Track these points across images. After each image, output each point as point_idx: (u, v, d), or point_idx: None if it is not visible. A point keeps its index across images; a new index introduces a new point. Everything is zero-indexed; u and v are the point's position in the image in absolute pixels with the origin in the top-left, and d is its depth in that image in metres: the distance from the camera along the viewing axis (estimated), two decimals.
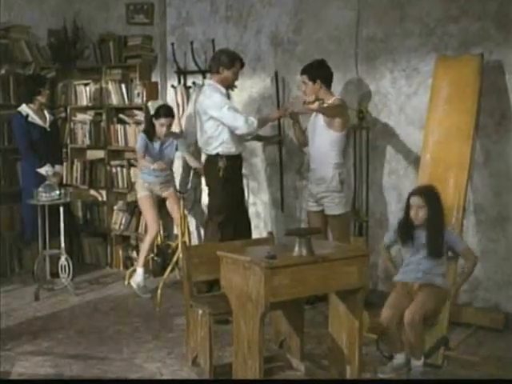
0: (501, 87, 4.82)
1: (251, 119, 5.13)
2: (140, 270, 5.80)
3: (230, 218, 5.24)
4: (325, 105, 4.96)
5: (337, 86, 5.48)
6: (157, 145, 5.90)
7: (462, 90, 4.68)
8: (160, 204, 6.03)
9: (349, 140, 5.26)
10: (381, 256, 4.60)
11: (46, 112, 6.12)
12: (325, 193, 5.08)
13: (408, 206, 4.12)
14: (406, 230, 4.15)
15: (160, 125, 5.81)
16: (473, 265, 4.16)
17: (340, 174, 5.07)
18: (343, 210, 5.13)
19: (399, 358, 4.06)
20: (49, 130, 6.07)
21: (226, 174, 5.21)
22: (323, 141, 5.06)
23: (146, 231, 6.15)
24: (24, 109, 5.95)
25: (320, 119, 5.07)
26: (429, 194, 4.10)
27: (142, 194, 5.94)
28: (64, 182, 6.60)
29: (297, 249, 3.54)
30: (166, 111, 5.85)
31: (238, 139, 5.27)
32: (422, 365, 4.00)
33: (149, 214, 5.88)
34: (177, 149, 5.98)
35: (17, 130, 5.98)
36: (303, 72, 5.14)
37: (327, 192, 5.07)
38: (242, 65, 5.31)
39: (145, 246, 5.87)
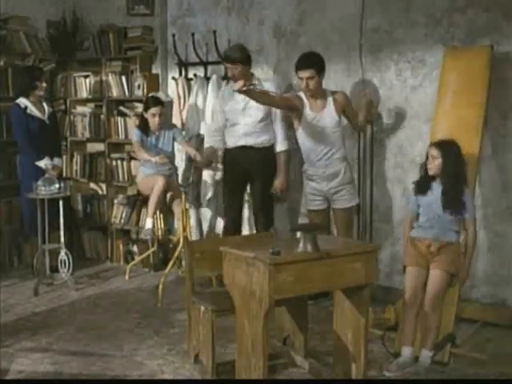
0: (508, 80, 4.73)
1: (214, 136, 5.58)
2: (148, 220, 5.76)
3: (228, 208, 5.56)
4: (331, 98, 4.93)
5: (341, 78, 5.41)
6: (152, 139, 5.85)
7: (470, 82, 4.60)
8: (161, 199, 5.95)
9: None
10: (403, 233, 4.45)
11: (44, 104, 6.04)
12: (339, 187, 4.99)
13: (427, 157, 4.14)
14: (423, 181, 4.16)
15: (152, 115, 5.77)
16: (472, 241, 4.10)
17: (348, 165, 5.06)
18: (357, 201, 5.16)
19: (406, 353, 3.98)
20: (47, 122, 5.99)
21: (224, 166, 5.56)
22: (335, 137, 4.95)
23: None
24: (22, 101, 5.86)
25: (332, 116, 4.93)
26: (445, 145, 4.08)
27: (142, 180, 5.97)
28: (64, 175, 6.53)
29: (302, 245, 3.46)
30: (155, 100, 5.85)
31: (233, 133, 5.38)
32: (431, 357, 3.95)
33: (151, 177, 5.80)
34: (175, 139, 5.91)
35: (15, 123, 5.90)
36: (309, 66, 4.83)
37: (342, 185, 4.99)
38: (226, 60, 5.27)
39: (153, 199, 5.73)
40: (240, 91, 4.44)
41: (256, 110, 5.19)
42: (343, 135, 5.05)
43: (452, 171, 4.03)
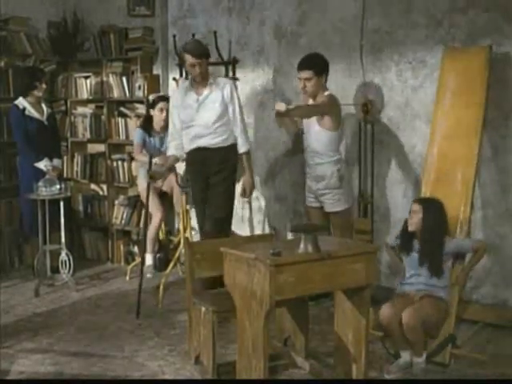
0: (509, 80, 4.73)
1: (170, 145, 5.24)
2: (148, 255, 5.76)
3: (201, 214, 5.24)
4: (311, 102, 4.90)
5: (341, 78, 5.41)
6: (155, 140, 5.85)
7: (469, 82, 4.60)
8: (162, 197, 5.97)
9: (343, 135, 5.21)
10: (387, 253, 4.53)
11: (43, 105, 6.04)
12: (324, 190, 5.00)
13: (410, 213, 4.12)
14: (404, 237, 4.15)
15: (160, 110, 5.78)
16: (483, 251, 4.12)
17: (339, 171, 4.99)
18: (343, 207, 5.06)
19: (405, 356, 3.99)
20: (46, 123, 5.99)
21: (187, 169, 5.32)
22: (319, 141, 4.95)
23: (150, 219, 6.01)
24: (21, 102, 5.86)
25: (313, 119, 4.95)
26: (428, 203, 4.08)
27: (143, 186, 5.88)
28: (64, 175, 6.53)
29: (302, 245, 3.46)
30: (161, 96, 5.90)
31: (188, 136, 5.12)
32: (424, 361, 3.95)
33: (151, 203, 5.66)
34: None
35: (14, 124, 5.91)
36: (308, 67, 4.88)
37: (327, 189, 4.99)
38: (194, 54, 4.93)
39: (150, 235, 5.75)
40: (280, 114, 4.56)
41: (211, 109, 5.01)
42: (337, 139, 5.03)
43: (430, 227, 4.01)
